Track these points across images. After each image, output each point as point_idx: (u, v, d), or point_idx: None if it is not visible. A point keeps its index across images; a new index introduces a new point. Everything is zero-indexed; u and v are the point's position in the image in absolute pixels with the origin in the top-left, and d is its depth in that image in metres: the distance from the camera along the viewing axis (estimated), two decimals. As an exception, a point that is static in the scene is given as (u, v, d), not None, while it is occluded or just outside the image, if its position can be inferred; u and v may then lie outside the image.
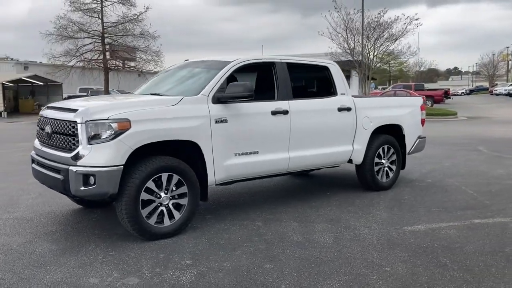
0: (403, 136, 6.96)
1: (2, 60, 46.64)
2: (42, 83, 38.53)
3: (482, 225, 5.00)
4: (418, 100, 7.38)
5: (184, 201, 4.66)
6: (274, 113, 5.30)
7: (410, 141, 7.09)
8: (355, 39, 25.07)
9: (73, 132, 4.31)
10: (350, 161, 6.33)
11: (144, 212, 4.39)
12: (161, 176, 4.46)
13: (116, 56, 31.50)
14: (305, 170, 6.12)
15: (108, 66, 30.29)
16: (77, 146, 4.26)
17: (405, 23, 24.58)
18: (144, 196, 4.37)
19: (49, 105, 5.13)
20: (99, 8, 29.55)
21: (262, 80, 6.03)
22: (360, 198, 6.21)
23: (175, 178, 4.56)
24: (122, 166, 4.21)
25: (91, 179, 4.14)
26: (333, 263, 3.93)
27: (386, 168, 6.72)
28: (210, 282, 3.57)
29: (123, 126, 4.21)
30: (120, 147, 4.19)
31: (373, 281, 3.59)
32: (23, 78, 37.18)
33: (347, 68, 25.97)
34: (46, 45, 43.15)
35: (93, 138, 4.20)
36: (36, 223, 5.17)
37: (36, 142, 5.10)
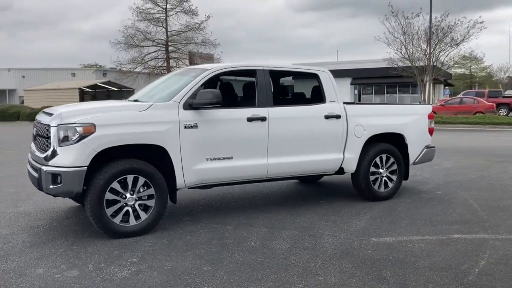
0: (406, 145, 6.72)
1: (90, 67, 50.48)
2: (116, 89, 41.14)
3: (459, 241, 4.74)
4: (426, 108, 7.09)
5: (151, 203, 4.89)
6: (250, 119, 5.38)
7: (414, 151, 6.82)
8: (414, 44, 24.18)
9: (47, 134, 4.71)
10: (341, 169, 6.24)
11: (109, 211, 4.68)
12: (126, 177, 4.73)
13: (194, 63, 33.01)
14: (290, 177, 6.10)
15: (171, 72, 31.73)
16: (50, 148, 4.65)
17: (468, 27, 23.35)
18: (109, 196, 4.65)
19: (44, 110, 5.60)
20: (164, 17, 31.11)
21: (245, 87, 6.14)
22: (350, 208, 6.09)
23: (141, 180, 4.80)
24: (86, 167, 4.53)
25: (58, 178, 4.51)
26: (270, 269, 3.96)
27: (384, 178, 6.52)
28: (140, 279, 3.75)
29: (88, 130, 4.54)
30: (84, 149, 4.51)
31: (297, 289, 3.58)
32: (98, 84, 39.96)
33: (404, 74, 25.10)
34: (114, 53, 46.22)
35: (62, 141, 4.56)
36: (31, 217, 5.66)
37: (32, 145, 5.58)
